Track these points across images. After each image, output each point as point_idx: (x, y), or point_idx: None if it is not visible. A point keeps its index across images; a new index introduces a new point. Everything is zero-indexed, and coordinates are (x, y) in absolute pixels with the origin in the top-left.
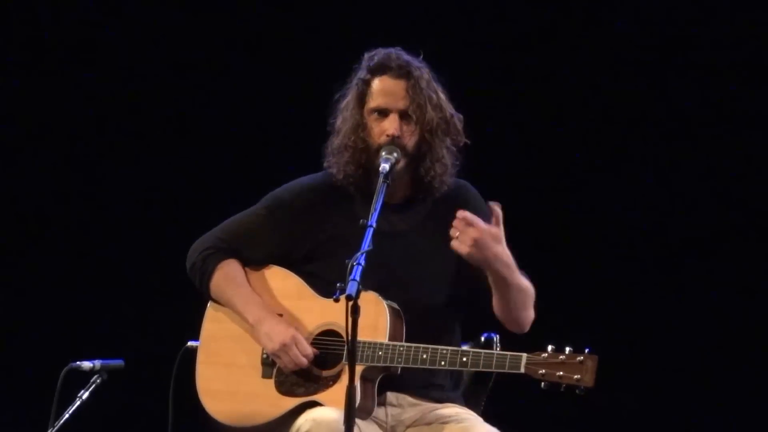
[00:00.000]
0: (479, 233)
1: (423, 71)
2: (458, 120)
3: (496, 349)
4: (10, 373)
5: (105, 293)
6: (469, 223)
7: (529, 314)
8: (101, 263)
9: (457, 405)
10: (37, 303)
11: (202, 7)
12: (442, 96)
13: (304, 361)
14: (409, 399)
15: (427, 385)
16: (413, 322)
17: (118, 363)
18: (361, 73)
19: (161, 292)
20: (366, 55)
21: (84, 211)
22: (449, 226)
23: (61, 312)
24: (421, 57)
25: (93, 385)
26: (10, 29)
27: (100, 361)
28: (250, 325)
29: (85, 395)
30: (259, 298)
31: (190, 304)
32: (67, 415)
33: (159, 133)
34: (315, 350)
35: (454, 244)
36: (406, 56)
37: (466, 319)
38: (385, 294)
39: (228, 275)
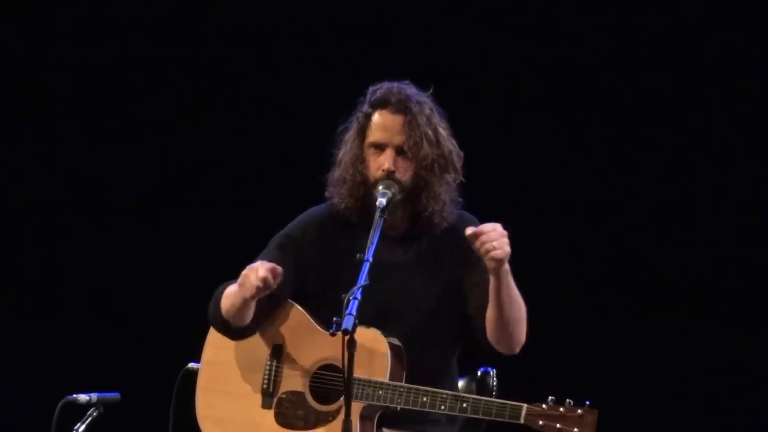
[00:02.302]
0: (499, 235)
1: (424, 107)
2: (457, 157)
3: (493, 383)
4: (7, 406)
5: (102, 326)
6: (483, 233)
7: (522, 333)
8: (98, 296)
9: None
10: (33, 335)
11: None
12: (443, 132)
13: (262, 270)
14: None
15: (423, 421)
16: (411, 354)
17: (115, 396)
18: (363, 107)
19: (159, 324)
20: (370, 89)
21: (78, 242)
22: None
23: (57, 344)
24: (431, 91)
25: (89, 419)
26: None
27: (97, 394)
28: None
29: (81, 428)
30: None
31: (188, 335)
32: None
33: (150, 163)
34: (271, 266)
35: (495, 253)
36: (408, 91)
37: (462, 353)
38: (383, 325)
39: (226, 288)
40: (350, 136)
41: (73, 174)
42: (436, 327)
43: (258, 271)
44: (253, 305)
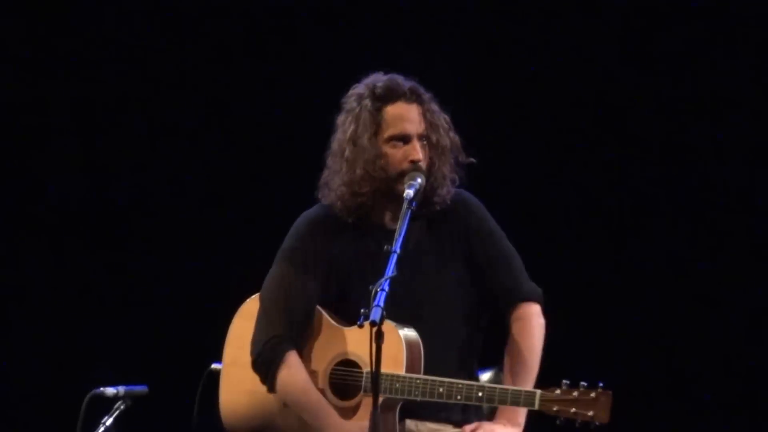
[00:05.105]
0: None
1: (427, 94)
2: (459, 139)
3: None
4: (34, 399)
5: (129, 318)
6: None
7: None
8: (125, 288)
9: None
10: (60, 328)
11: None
12: (446, 117)
13: None
14: (429, 425)
15: (446, 408)
16: (431, 337)
17: (142, 389)
18: (367, 103)
19: (185, 316)
20: (363, 85)
21: (106, 236)
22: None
23: (84, 337)
24: (418, 80)
25: (117, 411)
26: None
27: (124, 387)
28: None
29: (109, 421)
30: (325, 402)
31: (213, 329)
32: None
33: (166, 152)
34: None
35: None
36: (407, 81)
37: (486, 343)
38: (396, 312)
39: (293, 377)
40: (359, 134)
41: (104, 169)
42: (454, 306)
43: None
44: None
